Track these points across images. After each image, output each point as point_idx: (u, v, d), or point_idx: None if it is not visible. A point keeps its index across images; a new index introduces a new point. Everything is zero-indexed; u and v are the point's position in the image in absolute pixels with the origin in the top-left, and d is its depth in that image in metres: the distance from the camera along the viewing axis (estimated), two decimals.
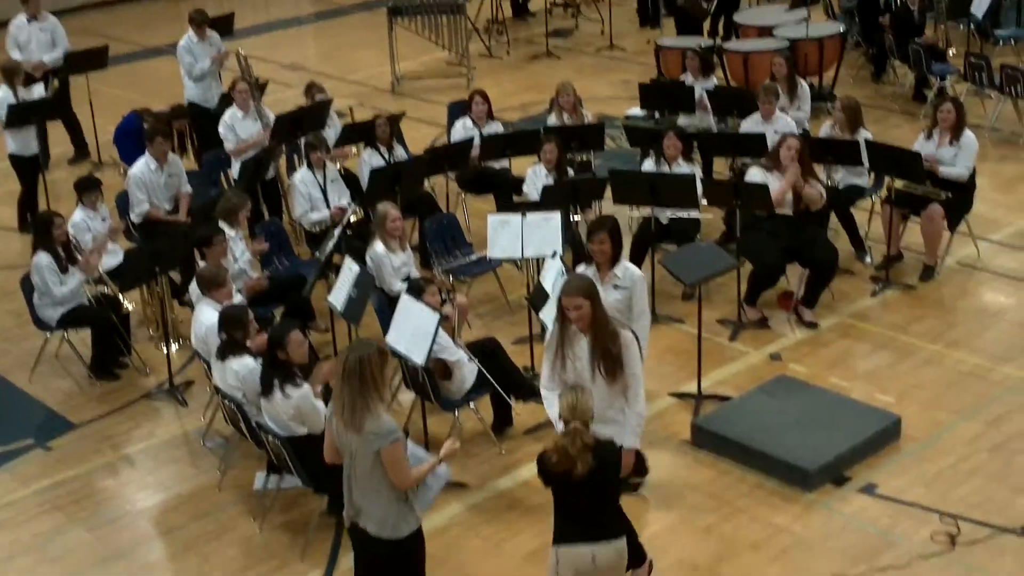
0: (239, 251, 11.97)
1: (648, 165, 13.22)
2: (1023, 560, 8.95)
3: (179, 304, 12.51)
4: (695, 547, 9.24)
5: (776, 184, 11.96)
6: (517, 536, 9.39)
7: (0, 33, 17.94)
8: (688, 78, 15.72)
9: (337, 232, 11.54)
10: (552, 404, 8.23)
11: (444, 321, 9.85)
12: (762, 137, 13.44)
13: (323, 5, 26.92)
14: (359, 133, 14.58)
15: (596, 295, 8.15)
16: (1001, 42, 20.16)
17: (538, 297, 10.54)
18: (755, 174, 12.19)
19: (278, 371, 9.32)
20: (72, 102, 17.18)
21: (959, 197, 12.90)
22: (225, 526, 9.82)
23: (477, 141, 14.26)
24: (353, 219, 12.35)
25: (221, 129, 14.31)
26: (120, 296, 11.90)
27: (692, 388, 11.02)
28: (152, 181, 13.37)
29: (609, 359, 8.12)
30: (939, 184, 12.82)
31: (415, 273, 11.90)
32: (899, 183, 12.94)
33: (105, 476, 10.57)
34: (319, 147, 13.30)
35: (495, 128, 14.67)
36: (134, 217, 13.43)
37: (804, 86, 15.09)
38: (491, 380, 10.22)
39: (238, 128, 14.25)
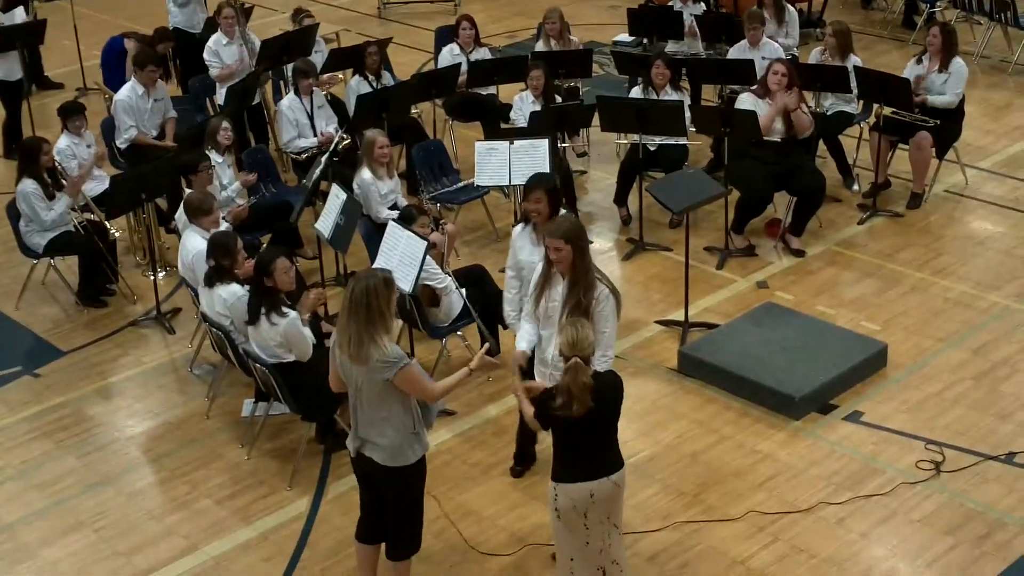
0: (227, 178, 11.92)
1: (636, 92, 13.16)
2: (1007, 486, 9.03)
3: (166, 231, 12.48)
4: (681, 474, 9.30)
5: (765, 111, 11.92)
6: (504, 462, 9.43)
7: None
8: (677, 4, 15.62)
9: (324, 159, 11.49)
10: (522, 336, 8.33)
11: (432, 248, 9.83)
12: (750, 63, 13.38)
13: None
14: (346, 59, 14.48)
15: (580, 240, 7.91)
16: None
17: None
18: (745, 100, 12.14)
19: (264, 298, 9.31)
20: (57, 27, 17.02)
21: (947, 124, 12.87)
22: (213, 453, 9.85)
23: (464, 67, 14.18)
24: (340, 146, 12.29)
25: (206, 55, 14.21)
26: (107, 223, 11.86)
27: (679, 316, 11.04)
28: (139, 107, 13.30)
29: (577, 310, 7.83)
30: (928, 112, 12.79)
31: (402, 201, 11.87)
32: (887, 110, 12.91)
33: (93, 403, 10.59)
34: (310, 73, 13.21)
35: (482, 54, 14.59)
36: (120, 143, 13.38)
37: (792, 11, 14.99)
38: (472, 311, 10.20)
39: (223, 54, 14.15)
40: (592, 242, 12.45)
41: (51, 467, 9.79)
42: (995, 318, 11.10)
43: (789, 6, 14.97)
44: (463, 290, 10.30)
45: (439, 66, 14.64)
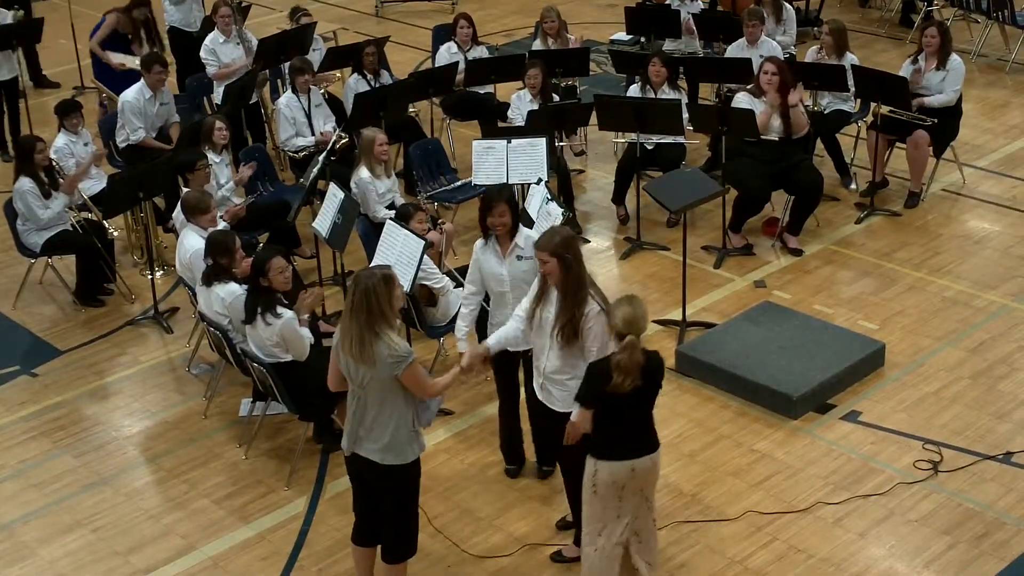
0: (223, 177, 11.92)
1: (634, 91, 13.16)
2: (1005, 486, 9.03)
3: (164, 230, 12.47)
4: (679, 473, 9.30)
5: (763, 110, 11.91)
6: (501, 462, 9.43)
7: None
8: (674, 2, 15.61)
9: (322, 158, 11.48)
10: (497, 334, 8.33)
11: (429, 248, 9.83)
12: (748, 62, 13.38)
13: None
14: (344, 57, 14.48)
15: (567, 254, 7.78)
16: None
17: (523, 223, 10.52)
18: (742, 99, 12.14)
19: (261, 298, 9.31)
20: (55, 25, 17.01)
21: (945, 123, 12.87)
22: (211, 452, 9.85)
23: (462, 66, 14.17)
24: (338, 145, 12.29)
25: (203, 53, 14.20)
26: (105, 222, 11.86)
27: (676, 315, 11.04)
28: (146, 110, 13.27)
29: (568, 325, 7.80)
30: (925, 110, 12.79)
31: (400, 199, 11.86)
32: (885, 109, 12.92)
33: (91, 402, 10.59)
34: (306, 70, 13.21)
35: (480, 53, 14.58)
36: (122, 143, 13.35)
37: (790, 10, 14.99)
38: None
39: (220, 52, 14.14)
40: (589, 241, 12.56)
41: (49, 466, 9.79)
42: (992, 317, 11.11)
43: (787, 4, 14.97)
44: (460, 289, 10.28)
45: (436, 65, 14.63)
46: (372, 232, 10.97)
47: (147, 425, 10.27)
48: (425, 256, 9.70)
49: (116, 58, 14.86)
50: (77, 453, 9.93)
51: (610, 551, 7.70)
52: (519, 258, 8.77)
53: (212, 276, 9.78)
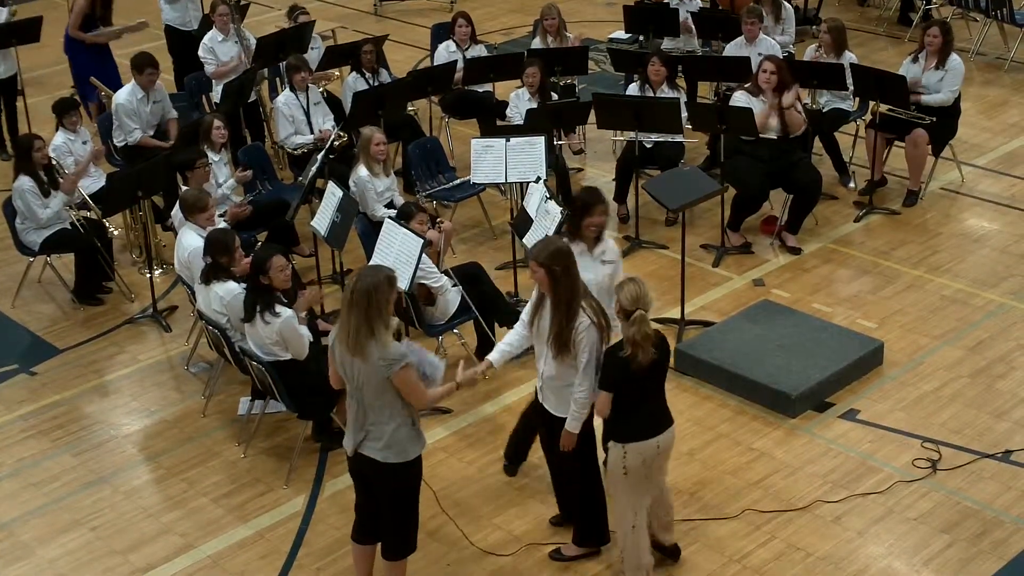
0: (223, 176, 11.92)
1: (632, 89, 13.16)
2: (1004, 484, 9.03)
3: (162, 229, 12.46)
4: (677, 471, 9.29)
5: (761, 108, 11.91)
6: (500, 461, 9.43)
7: None
8: (673, 1, 15.61)
9: (320, 156, 11.48)
10: (500, 345, 8.35)
11: (428, 247, 9.83)
12: (746, 60, 13.38)
13: None
14: (342, 56, 14.48)
15: (556, 266, 7.75)
16: None
17: (521, 222, 10.54)
18: (740, 98, 12.14)
19: (260, 296, 9.31)
20: (53, 24, 16.99)
21: (943, 122, 12.87)
22: (210, 451, 9.85)
23: (460, 64, 14.17)
24: (337, 143, 12.28)
25: (201, 51, 14.20)
26: (105, 221, 11.86)
27: (675, 313, 11.04)
28: (139, 110, 13.27)
29: (559, 336, 7.80)
30: (924, 109, 12.80)
31: (399, 198, 11.87)
32: (884, 107, 12.92)
33: (89, 401, 10.59)
34: (302, 68, 13.20)
35: (478, 51, 14.58)
36: (119, 142, 13.35)
37: (789, 8, 14.99)
38: (472, 307, 10.22)
39: (218, 51, 14.15)
40: None
41: (47, 465, 9.78)
42: (991, 315, 11.11)
43: (786, 3, 14.96)
44: (459, 287, 10.29)
45: (435, 63, 14.63)
46: (371, 230, 10.97)
47: (146, 424, 10.27)
48: (424, 255, 9.69)
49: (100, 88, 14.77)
50: (76, 452, 9.93)
51: (644, 525, 7.98)
52: (604, 263, 8.85)
53: (211, 275, 9.78)
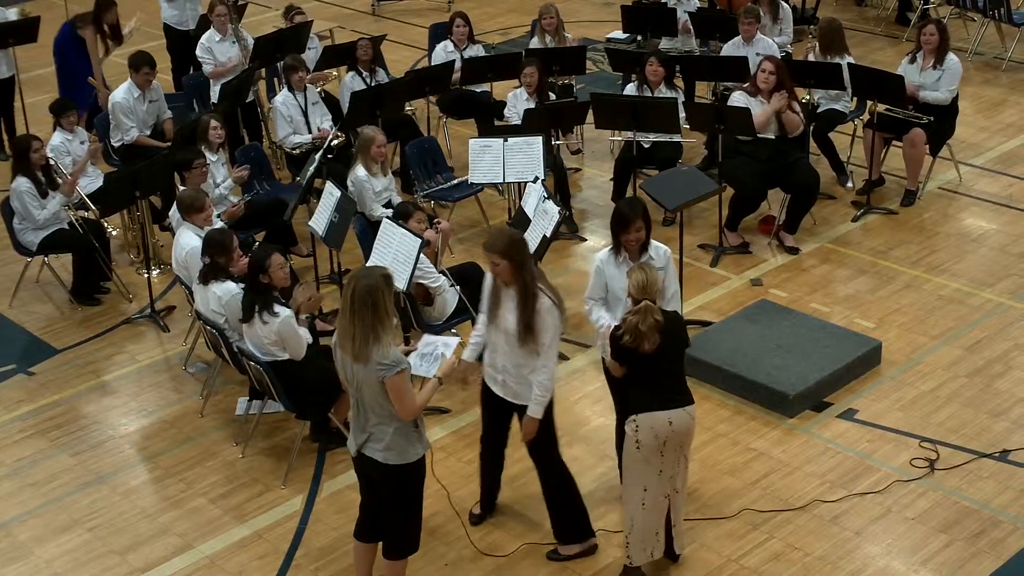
0: (220, 176, 11.92)
1: (631, 89, 13.16)
2: (1002, 484, 9.04)
3: (160, 229, 12.46)
4: None
5: (759, 109, 11.91)
6: None
7: None
8: (670, 1, 15.61)
9: (318, 156, 11.48)
10: (476, 350, 8.36)
11: (426, 246, 9.83)
12: (744, 60, 13.38)
13: None
14: (340, 56, 14.48)
15: (517, 255, 7.88)
16: None
17: (519, 222, 10.53)
18: (738, 98, 12.14)
19: (258, 296, 9.31)
20: (51, 24, 16.97)
21: (941, 121, 12.88)
22: (208, 451, 9.84)
23: (458, 64, 14.17)
24: (334, 143, 12.28)
25: (199, 51, 14.24)
26: (103, 221, 11.85)
27: None
28: (136, 109, 13.27)
29: (524, 322, 7.92)
30: (921, 108, 12.80)
31: (396, 198, 11.87)
32: (881, 107, 12.92)
33: (87, 401, 10.58)
34: (299, 67, 13.20)
35: (476, 51, 14.58)
36: (117, 142, 13.35)
37: (786, 8, 14.99)
38: (469, 307, 10.21)
39: (215, 51, 14.16)
40: (585, 239, 12.57)
41: (45, 465, 9.78)
42: (989, 315, 11.11)
43: (783, 3, 14.96)
44: (457, 288, 10.29)
45: (433, 63, 14.62)
46: (368, 230, 10.96)
47: (144, 424, 10.27)
48: (421, 255, 9.69)
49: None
50: (74, 452, 9.93)
51: (657, 505, 8.00)
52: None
53: (209, 275, 9.78)
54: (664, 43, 15.20)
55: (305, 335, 9.42)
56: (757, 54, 13.35)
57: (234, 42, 14.24)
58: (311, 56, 14.41)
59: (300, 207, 11.59)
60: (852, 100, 13.50)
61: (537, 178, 10.79)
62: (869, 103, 13.07)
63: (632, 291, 7.82)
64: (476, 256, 11.78)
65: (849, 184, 13.41)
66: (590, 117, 12.84)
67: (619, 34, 17.07)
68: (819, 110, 13.35)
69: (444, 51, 14.49)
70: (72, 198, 11.97)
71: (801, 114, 12.18)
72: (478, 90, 14.39)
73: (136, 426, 10.24)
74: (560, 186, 12.67)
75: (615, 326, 7.98)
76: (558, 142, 12.94)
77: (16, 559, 8.80)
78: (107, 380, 10.87)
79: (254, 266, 9.37)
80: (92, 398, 10.63)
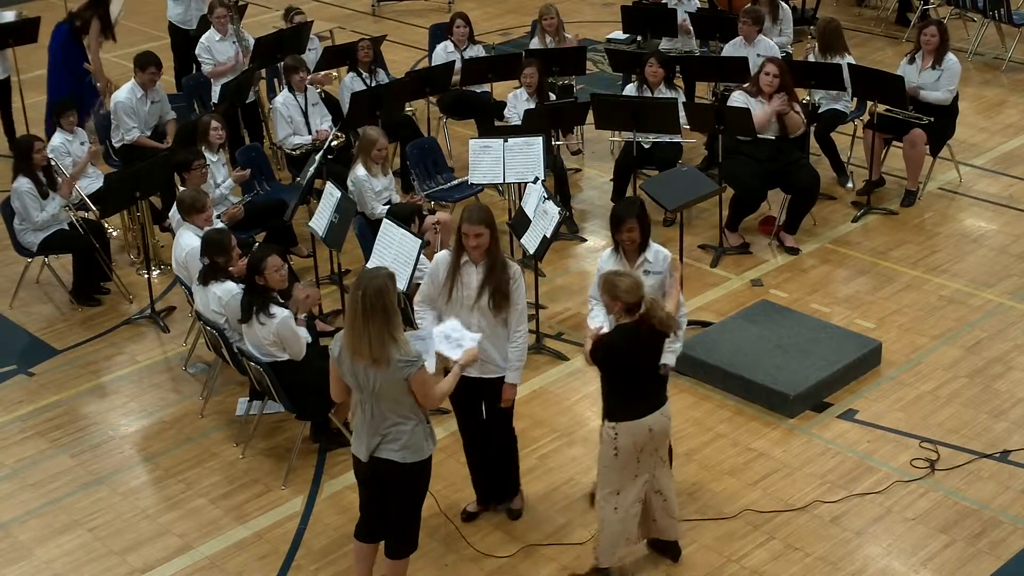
0: (220, 176, 11.92)
1: (630, 89, 13.15)
2: (1002, 484, 9.04)
3: (160, 229, 12.46)
4: (676, 472, 9.24)
5: (759, 109, 11.91)
6: None
7: None
8: (671, 1, 15.60)
9: (318, 156, 11.48)
10: (426, 320, 8.40)
11: (426, 247, 9.83)
12: (744, 61, 13.38)
13: None
14: (340, 56, 14.48)
15: (494, 224, 8.18)
16: None
17: (519, 222, 10.54)
18: (738, 99, 12.14)
19: (256, 297, 9.31)
20: (51, 24, 16.98)
21: (941, 122, 12.88)
22: (208, 452, 9.84)
23: (458, 65, 14.17)
24: (334, 144, 12.28)
25: (198, 51, 14.25)
26: (104, 222, 11.85)
27: None
28: (138, 109, 13.27)
29: (499, 291, 8.12)
30: (921, 109, 12.80)
31: (396, 198, 11.86)
32: (881, 107, 12.92)
33: (87, 402, 10.58)
34: (299, 68, 13.20)
35: (476, 52, 14.58)
36: (116, 142, 13.35)
37: (786, 9, 14.97)
38: None
39: (215, 50, 14.17)
40: (586, 240, 12.58)
41: (45, 466, 9.78)
42: (989, 315, 11.11)
43: (783, 3, 14.96)
44: None
45: (433, 64, 14.62)
46: (368, 231, 10.97)
47: (144, 424, 10.27)
48: (422, 255, 9.69)
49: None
50: (74, 452, 9.92)
51: (629, 510, 7.98)
52: (647, 272, 8.47)
53: (209, 275, 9.78)
54: (664, 43, 15.20)
55: (304, 335, 9.42)
56: (758, 55, 13.35)
57: (234, 42, 14.24)
58: (311, 57, 14.41)
59: (300, 208, 11.60)
60: (852, 100, 13.50)
61: (537, 178, 10.79)
62: (869, 103, 13.07)
63: (626, 297, 7.65)
64: None
65: (849, 185, 13.41)
66: (590, 118, 12.85)
67: (619, 34, 17.06)
68: (820, 111, 13.35)
69: (444, 51, 14.49)
70: (72, 199, 11.97)
71: (802, 114, 12.19)
72: (478, 90, 14.39)
73: (136, 427, 10.24)
74: (560, 186, 12.67)
75: (602, 335, 7.86)
76: (558, 142, 12.94)
77: (16, 560, 8.80)
78: (107, 381, 10.87)
79: (251, 267, 9.38)
80: (92, 399, 10.63)
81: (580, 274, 12.08)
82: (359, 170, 11.53)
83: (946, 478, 9.13)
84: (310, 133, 13.15)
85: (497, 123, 13.60)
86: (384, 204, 11.56)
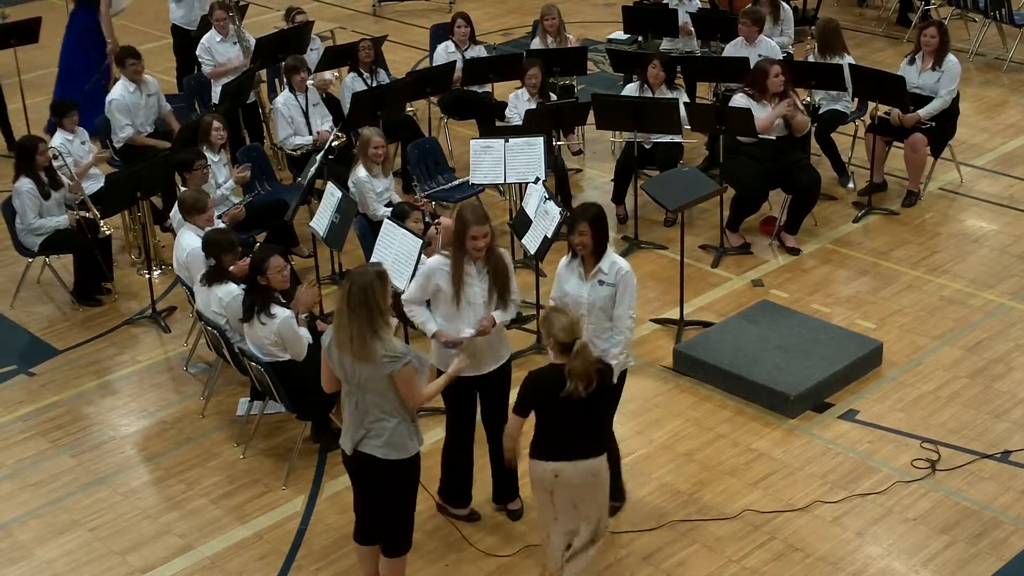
0: (221, 176, 11.92)
1: (632, 90, 13.15)
2: (1003, 485, 9.03)
3: (161, 229, 12.46)
4: (676, 472, 9.30)
5: (762, 112, 11.90)
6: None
7: None
8: (672, 1, 15.60)
9: (319, 157, 11.48)
10: (422, 317, 8.51)
11: (426, 247, 9.83)
12: (745, 61, 13.37)
13: None
14: (341, 56, 14.47)
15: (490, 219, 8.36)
16: None
17: (520, 223, 10.54)
18: (739, 101, 12.13)
19: (258, 297, 9.31)
20: (51, 24, 16.98)
21: (942, 123, 12.88)
22: (208, 452, 9.84)
23: (459, 65, 14.17)
24: (335, 144, 12.28)
25: (199, 51, 14.26)
26: (100, 221, 11.84)
27: (674, 314, 11.04)
28: (133, 104, 13.28)
29: (501, 281, 8.31)
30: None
31: (397, 198, 11.86)
32: (882, 110, 12.91)
33: (88, 402, 10.58)
34: (300, 68, 13.21)
35: (478, 52, 14.57)
36: (116, 142, 13.36)
37: (787, 9, 14.96)
38: None
39: (215, 51, 14.18)
40: None
41: (46, 466, 9.78)
42: (990, 316, 11.11)
43: (784, 3, 14.95)
44: None
45: (434, 64, 14.62)
46: (369, 231, 10.97)
47: (145, 424, 10.27)
48: (422, 255, 9.68)
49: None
50: (74, 453, 9.93)
51: (555, 547, 7.69)
52: (601, 283, 8.36)
53: (214, 277, 9.76)
54: (665, 44, 15.20)
55: (305, 335, 9.42)
56: (759, 55, 13.35)
57: (235, 43, 14.25)
58: (312, 57, 14.41)
59: (301, 208, 11.59)
60: (853, 101, 13.49)
61: (538, 179, 10.79)
62: (871, 106, 13.05)
63: (560, 336, 7.32)
64: None
65: (850, 185, 13.40)
66: (591, 118, 12.85)
67: (620, 35, 17.07)
68: (820, 111, 13.34)
69: (445, 52, 14.48)
70: (75, 198, 11.97)
71: (804, 113, 12.20)
72: (479, 91, 14.39)
73: (137, 427, 10.25)
74: (561, 187, 12.67)
75: (535, 373, 7.59)
76: (559, 143, 12.94)
77: (17, 560, 8.80)
78: (108, 381, 10.87)
79: (253, 268, 9.38)
80: (93, 399, 10.63)
81: None
82: (360, 171, 11.53)
83: (947, 478, 9.13)
84: (311, 133, 13.16)
85: (498, 123, 13.60)
86: (385, 205, 11.56)
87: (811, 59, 13.40)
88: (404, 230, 9.75)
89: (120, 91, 13.26)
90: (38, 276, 12.29)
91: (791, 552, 8.49)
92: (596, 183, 13.89)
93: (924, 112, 12.72)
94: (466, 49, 14.45)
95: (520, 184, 11.56)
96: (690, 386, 10.31)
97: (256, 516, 9.11)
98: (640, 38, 15.93)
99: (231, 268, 9.81)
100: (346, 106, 13.49)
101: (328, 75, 14.14)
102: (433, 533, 8.74)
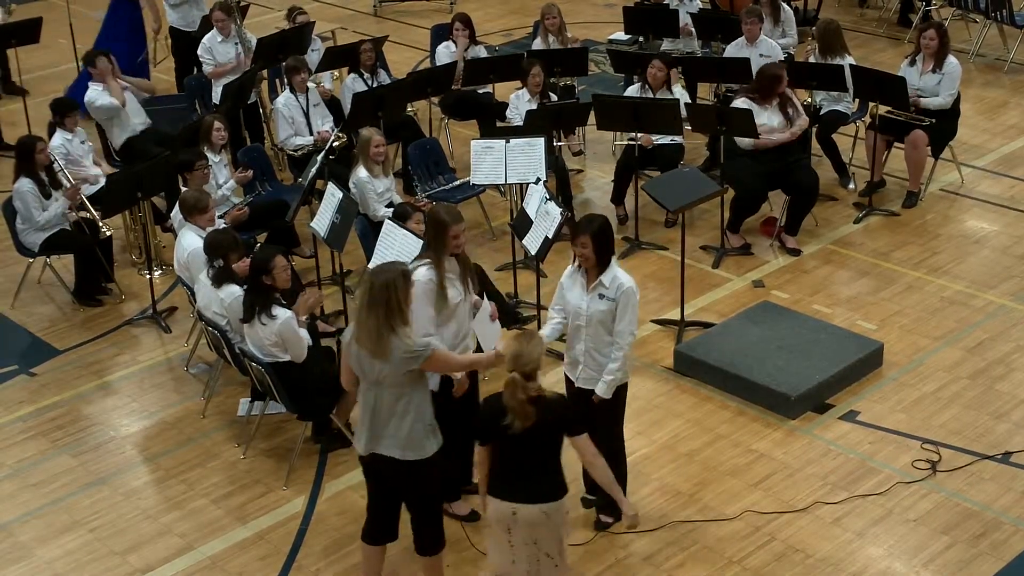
0: (222, 177, 11.92)
1: (633, 90, 13.15)
2: (1003, 486, 9.03)
3: (162, 230, 12.46)
4: (677, 473, 9.30)
5: (765, 117, 11.91)
6: None
7: None
8: (673, 2, 15.60)
9: (320, 157, 11.48)
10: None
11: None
12: (746, 61, 13.38)
13: None
14: (342, 57, 14.48)
15: None
16: None
17: (521, 223, 10.54)
18: (741, 103, 12.12)
19: (259, 297, 9.31)
20: (53, 24, 17.01)
21: (943, 123, 12.88)
22: (209, 452, 9.84)
23: (460, 65, 14.16)
24: (336, 144, 12.28)
25: (200, 51, 14.28)
26: (99, 221, 11.84)
27: (675, 315, 11.04)
28: (111, 106, 13.25)
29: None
30: (923, 110, 12.79)
31: (398, 199, 11.86)
32: (883, 109, 12.92)
33: (89, 402, 10.58)
34: (301, 69, 13.21)
35: (478, 52, 14.57)
36: (116, 143, 13.38)
37: (788, 10, 14.96)
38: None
39: (216, 51, 14.19)
40: None
41: (47, 466, 9.78)
42: (990, 317, 11.11)
43: (785, 4, 14.95)
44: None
45: (435, 64, 14.62)
46: (370, 231, 10.97)
47: (145, 425, 10.27)
48: None
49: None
50: (75, 453, 9.92)
51: None
52: (600, 296, 8.22)
53: (223, 278, 9.73)
54: (666, 44, 15.20)
55: (306, 337, 9.41)
56: (761, 55, 13.35)
57: (236, 43, 14.25)
58: (313, 57, 14.41)
59: (302, 208, 11.59)
60: (854, 101, 13.49)
61: (539, 179, 10.80)
62: (871, 105, 13.06)
63: (508, 362, 7.06)
64: (478, 257, 11.77)
65: (851, 186, 13.41)
66: (592, 118, 12.85)
67: (621, 35, 17.07)
68: (821, 112, 13.34)
69: (446, 52, 14.47)
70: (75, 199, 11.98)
71: (804, 114, 12.20)
72: (480, 91, 14.38)
73: (137, 427, 10.24)
74: (562, 187, 12.66)
75: (485, 399, 7.38)
76: (560, 143, 12.94)
77: (17, 560, 8.80)
78: (109, 381, 10.87)
79: (257, 267, 9.37)
80: (94, 399, 10.63)
81: None
82: (361, 172, 11.53)
83: (948, 479, 9.13)
84: (311, 134, 13.16)
85: (499, 124, 13.60)
86: (386, 206, 11.56)
87: (812, 60, 13.41)
88: (405, 231, 9.75)
89: (95, 96, 13.24)
90: (39, 276, 12.29)
91: (792, 553, 8.49)
92: (596, 184, 13.89)
93: (925, 101, 12.71)
94: (467, 50, 14.42)
95: (521, 185, 11.56)
96: (691, 387, 10.31)
97: (257, 516, 9.11)
98: (641, 39, 15.94)
99: (233, 268, 9.80)
100: (347, 107, 13.49)
101: (328, 85, 14.17)
102: None
